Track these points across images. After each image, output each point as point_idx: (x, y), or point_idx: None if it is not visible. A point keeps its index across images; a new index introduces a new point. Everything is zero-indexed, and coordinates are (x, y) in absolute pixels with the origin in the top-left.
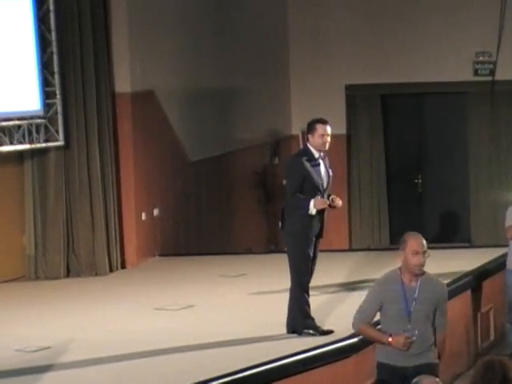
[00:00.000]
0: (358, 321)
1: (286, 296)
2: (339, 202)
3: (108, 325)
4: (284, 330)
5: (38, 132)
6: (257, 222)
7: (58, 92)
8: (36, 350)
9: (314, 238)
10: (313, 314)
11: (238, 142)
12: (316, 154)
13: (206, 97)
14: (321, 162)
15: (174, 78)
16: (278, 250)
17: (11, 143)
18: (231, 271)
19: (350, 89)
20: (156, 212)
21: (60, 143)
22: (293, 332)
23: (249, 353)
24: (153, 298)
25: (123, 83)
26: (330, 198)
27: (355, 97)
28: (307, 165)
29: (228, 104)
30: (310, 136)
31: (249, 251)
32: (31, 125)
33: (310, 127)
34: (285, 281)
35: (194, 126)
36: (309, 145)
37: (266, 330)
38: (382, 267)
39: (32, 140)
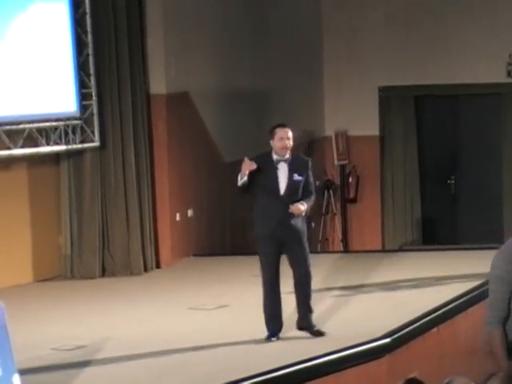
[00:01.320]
0: (493, 319)
1: (320, 295)
2: (294, 209)
3: (142, 324)
4: None
5: (74, 133)
6: None
7: (93, 93)
8: (72, 349)
9: (270, 239)
10: (345, 314)
11: None
12: (274, 158)
13: (241, 98)
14: (281, 166)
15: (209, 79)
16: (311, 251)
17: (48, 144)
18: None
19: (383, 90)
20: (190, 213)
21: (96, 144)
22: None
23: (282, 352)
24: (187, 297)
25: (158, 84)
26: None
27: (389, 98)
28: (261, 167)
29: (262, 105)
30: (271, 141)
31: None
32: (67, 126)
33: (271, 132)
34: (319, 280)
35: (228, 127)
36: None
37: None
38: (413, 268)
39: (68, 141)
